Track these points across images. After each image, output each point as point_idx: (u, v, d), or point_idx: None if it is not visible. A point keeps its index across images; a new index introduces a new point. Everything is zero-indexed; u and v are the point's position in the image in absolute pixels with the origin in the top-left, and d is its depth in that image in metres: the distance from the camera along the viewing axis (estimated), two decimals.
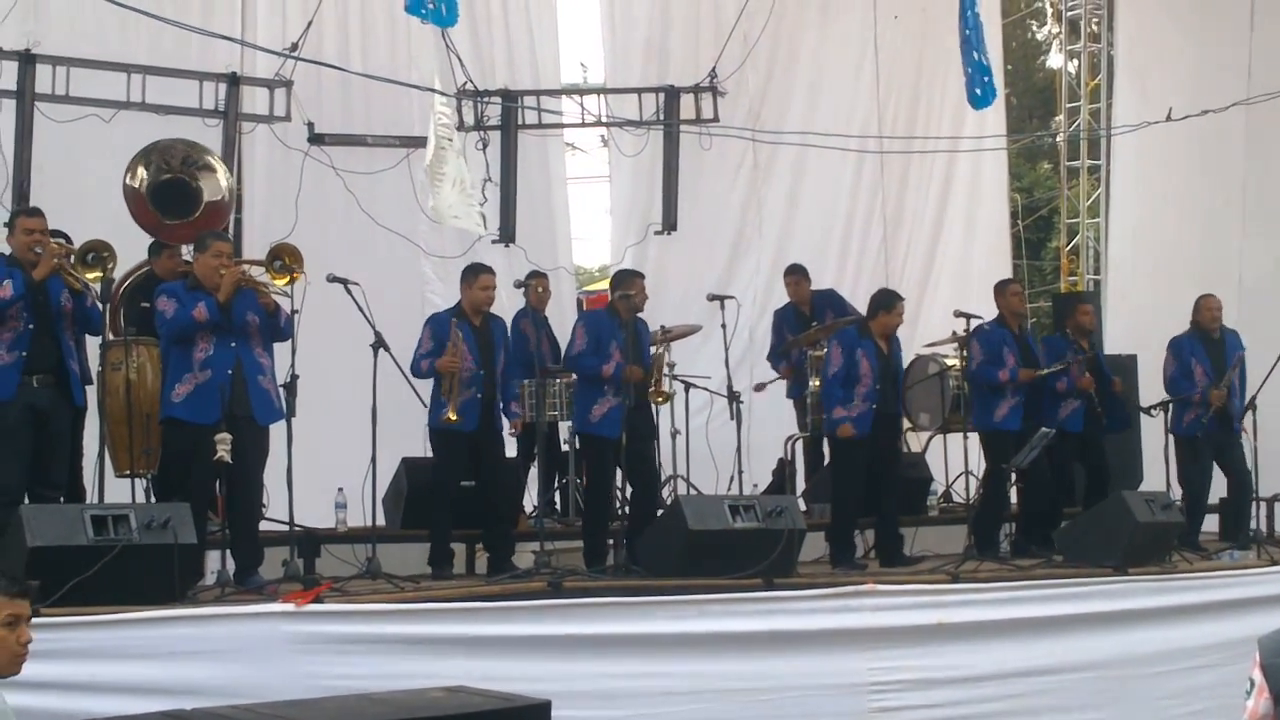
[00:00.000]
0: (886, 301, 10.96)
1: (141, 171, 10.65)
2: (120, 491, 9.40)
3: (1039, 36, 30.08)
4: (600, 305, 11.23)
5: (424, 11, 10.61)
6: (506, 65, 13.52)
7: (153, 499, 9.35)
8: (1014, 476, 11.35)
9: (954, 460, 12.76)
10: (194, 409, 8.69)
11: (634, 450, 10.17)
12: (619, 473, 10.38)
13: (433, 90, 11.59)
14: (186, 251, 10.76)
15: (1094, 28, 17.90)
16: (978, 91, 12.78)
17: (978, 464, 11.85)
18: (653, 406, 10.52)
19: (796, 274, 13.11)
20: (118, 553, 7.68)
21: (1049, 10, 24.95)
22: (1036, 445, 10.87)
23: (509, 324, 10.64)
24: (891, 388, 10.83)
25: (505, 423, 10.55)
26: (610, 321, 10.36)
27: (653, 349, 10.67)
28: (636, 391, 10.19)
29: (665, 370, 10.84)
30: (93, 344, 9.32)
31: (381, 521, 10.26)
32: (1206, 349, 12.09)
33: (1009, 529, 11.81)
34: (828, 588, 9.51)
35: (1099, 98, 17.59)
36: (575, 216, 14.84)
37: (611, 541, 10.15)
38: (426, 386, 9.99)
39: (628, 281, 10.60)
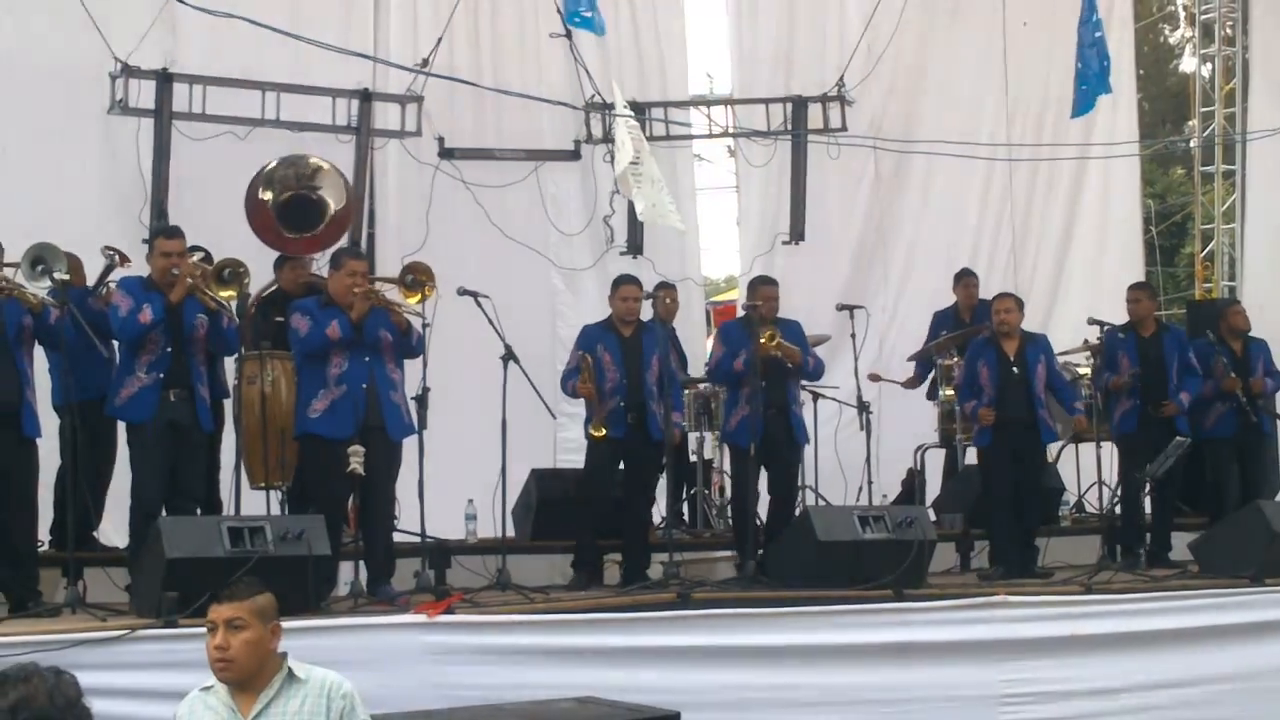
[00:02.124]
0: (990, 306, 11.03)
1: (267, 193, 10.88)
2: (255, 504, 9.54)
3: (1172, 40, 29.69)
4: (731, 315, 11.23)
5: (578, 20, 10.83)
6: (635, 77, 13.56)
7: (287, 511, 9.49)
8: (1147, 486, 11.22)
9: (1087, 469, 12.63)
10: (330, 424, 8.81)
11: (771, 462, 10.19)
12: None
13: (563, 104, 11.69)
14: (318, 265, 10.94)
15: (1228, 31, 17.59)
16: (1079, 99, 12.70)
17: (1110, 473, 11.72)
18: (794, 417, 10.49)
19: (968, 278, 13.05)
20: (253, 564, 7.78)
21: (1182, 14, 24.62)
22: (1171, 455, 10.73)
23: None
24: (1020, 393, 10.72)
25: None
26: (742, 331, 10.42)
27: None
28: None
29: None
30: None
31: (511, 533, 10.33)
32: None
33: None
34: (959, 599, 9.45)
35: (1233, 102, 17.29)
36: (703, 227, 14.86)
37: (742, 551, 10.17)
38: (557, 398, 10.08)
39: (755, 291, 10.63)
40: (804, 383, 10.96)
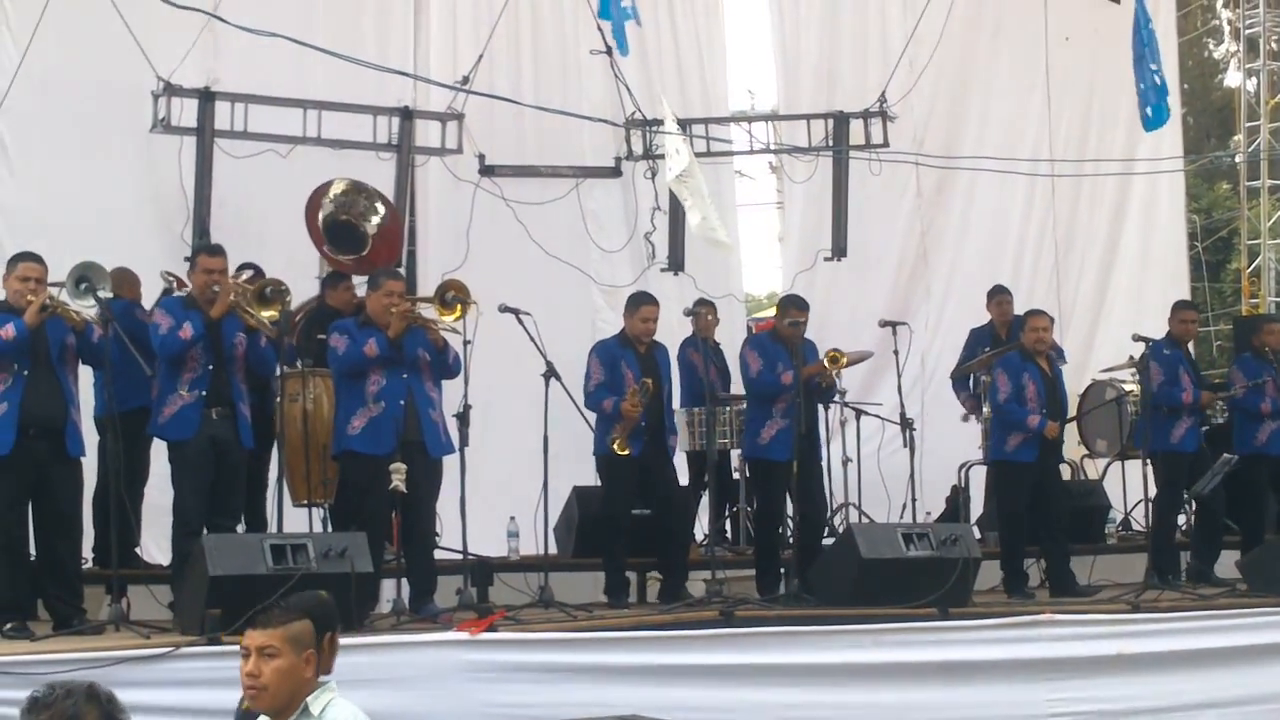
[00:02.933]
0: (1023, 320, 11.00)
1: (329, 206, 11.00)
2: (298, 521, 9.55)
3: (1216, 55, 29.53)
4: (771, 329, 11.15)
5: (614, 13, 10.88)
6: (676, 94, 13.54)
7: (329, 528, 9.49)
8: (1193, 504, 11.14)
9: (1133, 487, 12.54)
10: (369, 441, 8.82)
11: (802, 478, 10.15)
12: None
13: (604, 121, 11.68)
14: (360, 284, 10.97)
15: (1273, 45, 17.54)
16: (1148, 112, 12.60)
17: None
18: (820, 434, 10.43)
19: (1001, 295, 12.98)
20: (296, 581, 7.77)
21: (1226, 29, 24.50)
22: (1219, 472, 10.65)
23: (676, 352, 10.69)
24: (1059, 411, 10.69)
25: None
26: (775, 345, 10.38)
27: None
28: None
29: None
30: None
31: (553, 550, 10.32)
32: None
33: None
34: (1004, 617, 9.38)
35: (1279, 116, 17.19)
36: (744, 243, 14.84)
37: (784, 570, 10.10)
38: (593, 411, 10.05)
39: (787, 311, 10.54)
40: (846, 400, 10.94)
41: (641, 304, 10.28)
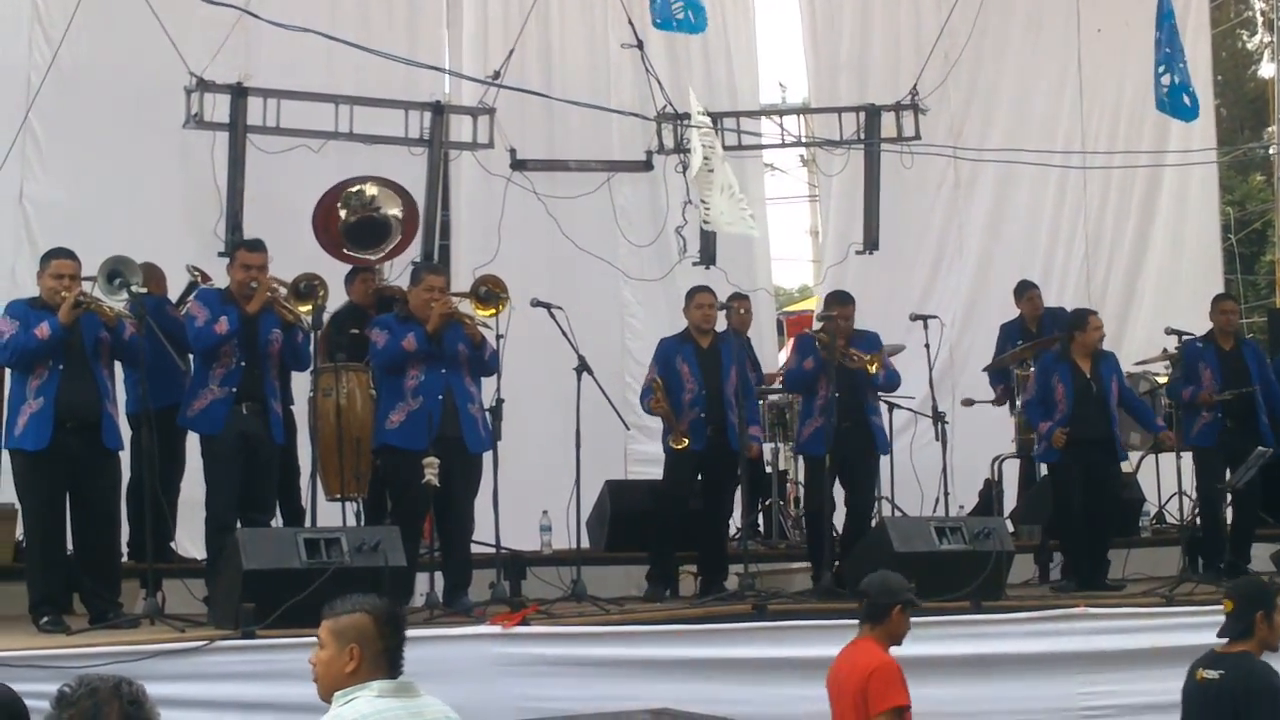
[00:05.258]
0: (1079, 320, 10.88)
1: (343, 211, 11.06)
2: (331, 515, 9.58)
3: (1249, 46, 29.37)
4: (803, 325, 11.17)
5: (675, 24, 10.83)
6: (706, 87, 13.52)
7: (363, 522, 9.52)
8: (1228, 497, 11.09)
9: (1167, 480, 12.50)
10: (407, 436, 8.87)
11: (849, 472, 10.15)
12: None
13: (634, 114, 11.67)
14: (394, 276, 11.00)
15: None
16: (1184, 99, 12.53)
17: (1190, 483, 11.59)
18: (873, 427, 10.43)
19: (1030, 290, 12.98)
20: (330, 575, 7.81)
21: (1260, 19, 24.36)
22: (1253, 465, 10.61)
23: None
24: (1097, 410, 10.62)
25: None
26: (810, 341, 10.42)
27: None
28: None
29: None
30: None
31: (586, 544, 10.32)
32: None
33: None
34: (1038, 610, 9.37)
35: None
36: (774, 237, 14.82)
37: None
38: (628, 409, 10.08)
39: (831, 306, 10.57)
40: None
41: (697, 293, 10.37)
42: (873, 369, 10.14)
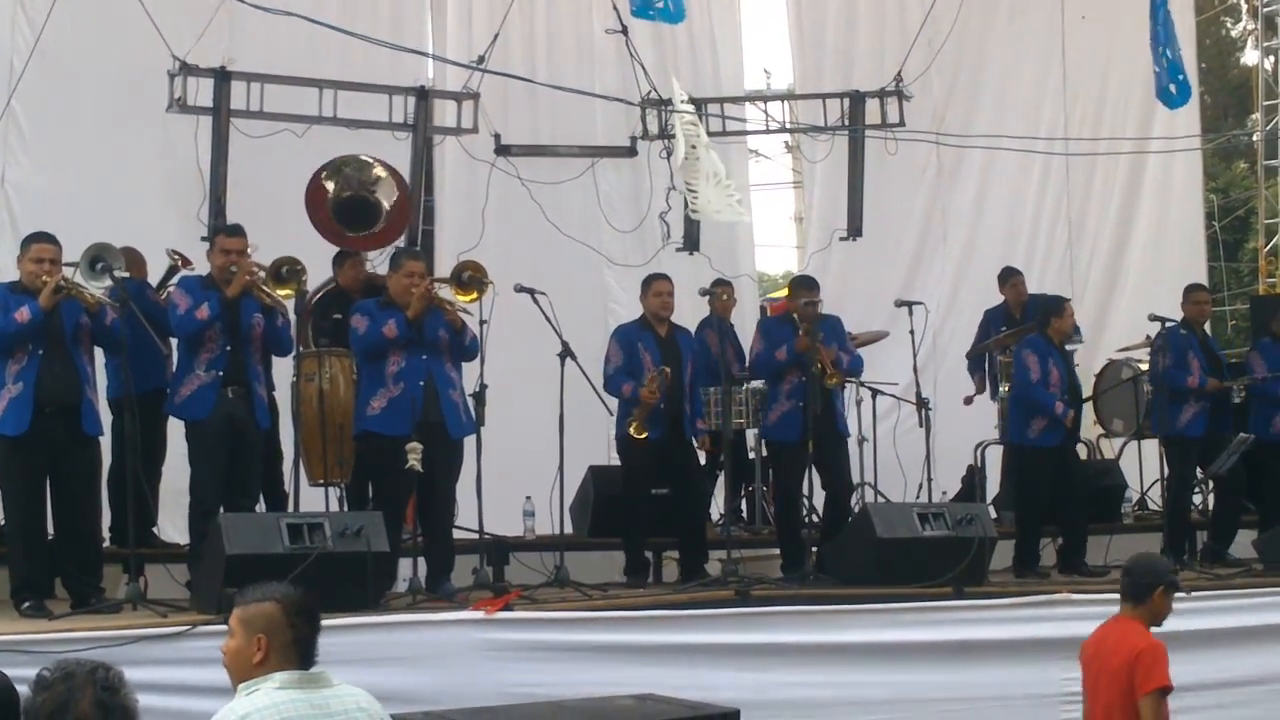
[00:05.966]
0: (1056, 307, 10.95)
1: (330, 183, 10.99)
2: (314, 500, 9.57)
3: (1233, 33, 29.42)
4: (782, 311, 11.14)
5: (652, 13, 10.80)
6: (690, 73, 13.51)
7: (346, 508, 9.51)
8: (1210, 484, 11.13)
9: (1149, 467, 12.52)
10: (388, 422, 8.85)
11: (822, 457, 10.14)
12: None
13: (619, 100, 11.66)
14: (375, 264, 10.98)
15: None
16: (1172, 89, 12.55)
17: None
18: (838, 410, 10.43)
19: (1015, 276, 13.00)
20: (313, 560, 7.80)
21: (1244, 6, 24.39)
22: (1235, 451, 10.64)
23: (693, 333, 10.70)
24: (1072, 395, 10.76)
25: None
26: (782, 326, 10.43)
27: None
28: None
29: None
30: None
31: (569, 529, 10.33)
32: None
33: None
34: (1020, 596, 9.39)
35: None
36: (758, 223, 14.81)
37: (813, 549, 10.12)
38: (612, 396, 10.06)
39: (797, 292, 10.55)
40: (861, 380, 10.93)
41: (654, 280, 10.38)
42: (832, 382, 10.13)
